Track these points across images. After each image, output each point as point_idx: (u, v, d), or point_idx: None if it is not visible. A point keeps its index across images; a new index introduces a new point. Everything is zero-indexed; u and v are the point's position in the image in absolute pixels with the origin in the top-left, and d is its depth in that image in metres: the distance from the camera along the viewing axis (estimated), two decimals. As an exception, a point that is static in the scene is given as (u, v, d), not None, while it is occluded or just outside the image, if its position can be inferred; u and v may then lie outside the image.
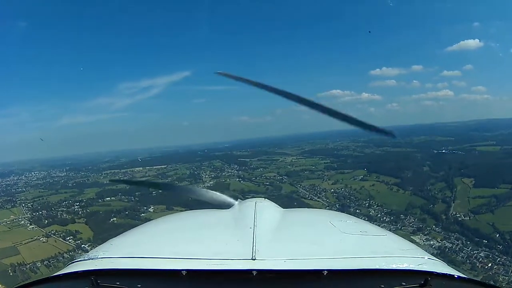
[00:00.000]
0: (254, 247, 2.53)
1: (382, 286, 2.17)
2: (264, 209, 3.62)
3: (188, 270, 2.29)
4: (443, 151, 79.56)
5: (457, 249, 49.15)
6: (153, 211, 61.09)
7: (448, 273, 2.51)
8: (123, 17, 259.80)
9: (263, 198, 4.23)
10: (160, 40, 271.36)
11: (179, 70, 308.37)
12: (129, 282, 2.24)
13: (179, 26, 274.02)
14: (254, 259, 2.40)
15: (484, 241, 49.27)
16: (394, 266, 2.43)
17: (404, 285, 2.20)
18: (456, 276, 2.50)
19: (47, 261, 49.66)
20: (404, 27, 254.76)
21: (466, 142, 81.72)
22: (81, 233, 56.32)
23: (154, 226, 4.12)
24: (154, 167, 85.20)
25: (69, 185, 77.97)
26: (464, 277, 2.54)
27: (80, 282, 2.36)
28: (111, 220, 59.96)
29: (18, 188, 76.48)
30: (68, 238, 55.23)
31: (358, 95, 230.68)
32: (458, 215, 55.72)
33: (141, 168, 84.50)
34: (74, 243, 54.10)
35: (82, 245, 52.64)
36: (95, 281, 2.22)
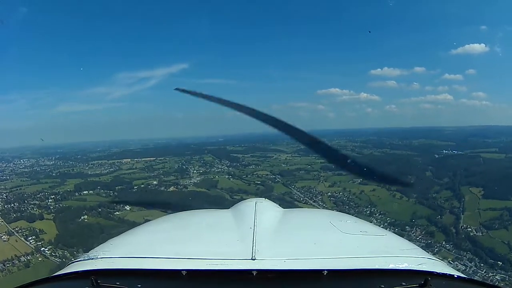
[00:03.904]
0: (254, 247, 2.43)
1: (382, 286, 2.10)
2: (264, 209, 3.45)
3: (188, 270, 2.20)
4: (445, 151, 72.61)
5: (471, 271, 41.13)
6: (130, 209, 52.85)
7: (448, 273, 2.42)
8: (123, 6, 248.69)
9: (263, 198, 4.09)
10: (160, 31, 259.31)
11: (177, 62, 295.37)
12: (129, 282, 2.14)
13: (180, 17, 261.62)
14: (254, 259, 2.31)
15: (499, 262, 41.82)
16: (394, 266, 2.35)
17: (404, 285, 2.12)
18: (456, 276, 2.42)
19: (2, 264, 42.56)
20: (410, 27, 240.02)
21: (467, 148, 72.66)
22: (45, 233, 48.67)
23: (154, 226, 3.83)
24: (143, 159, 76.32)
25: (53, 174, 69.39)
26: (464, 277, 2.46)
27: (80, 282, 2.27)
28: (81, 218, 52.21)
29: (2, 176, 68.55)
30: (30, 238, 47.81)
31: (356, 95, 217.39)
32: (470, 229, 47.79)
33: (129, 160, 75.78)
34: (35, 245, 46.65)
35: (42, 248, 45.93)
36: (95, 281, 2.11)
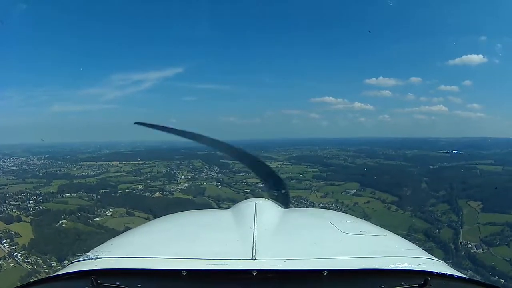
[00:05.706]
0: (254, 247, 2.39)
1: (382, 286, 2.06)
2: (264, 209, 3.39)
3: (188, 270, 2.17)
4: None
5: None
6: (111, 215, 50.63)
7: (448, 273, 2.34)
8: (120, 7, 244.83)
9: (263, 198, 4.13)
10: (157, 34, 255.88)
11: (172, 66, 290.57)
12: (129, 282, 2.11)
13: (176, 22, 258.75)
14: (254, 259, 2.27)
15: (501, 280, 38.40)
16: (394, 266, 2.30)
17: (404, 285, 2.08)
18: (455, 276, 2.34)
19: (-28, 270, 40.19)
20: (407, 36, 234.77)
21: (462, 159, 69.48)
22: (21, 236, 45.58)
23: (154, 226, 3.68)
24: (132, 162, 73.00)
25: (40, 174, 66.08)
26: (464, 277, 2.38)
27: (80, 282, 2.23)
28: (59, 222, 48.93)
29: (-11, 174, 65.23)
30: (4, 241, 44.83)
31: (350, 104, 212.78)
32: (470, 245, 44.95)
33: (117, 162, 72.50)
34: (8, 249, 43.65)
35: (15, 253, 43.00)
36: (95, 281, 2.09)
